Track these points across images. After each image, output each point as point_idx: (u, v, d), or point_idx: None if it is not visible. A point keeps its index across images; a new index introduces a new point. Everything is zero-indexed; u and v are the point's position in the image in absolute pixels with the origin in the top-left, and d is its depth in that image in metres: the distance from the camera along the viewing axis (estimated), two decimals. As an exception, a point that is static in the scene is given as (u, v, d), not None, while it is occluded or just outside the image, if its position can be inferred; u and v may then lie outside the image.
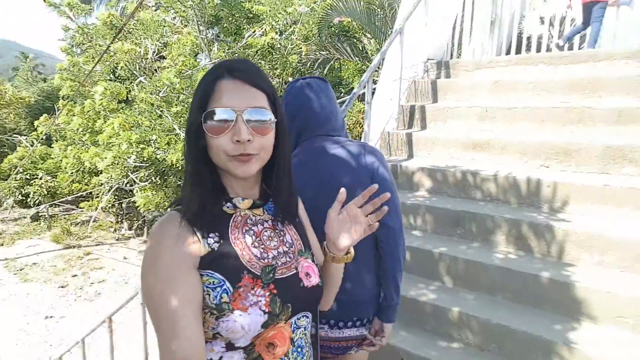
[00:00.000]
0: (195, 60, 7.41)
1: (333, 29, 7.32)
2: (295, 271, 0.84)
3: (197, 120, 0.76)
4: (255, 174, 0.81)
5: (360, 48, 7.43)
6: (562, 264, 2.27)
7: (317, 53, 7.21)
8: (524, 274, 2.20)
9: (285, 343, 0.80)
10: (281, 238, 0.87)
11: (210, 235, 0.78)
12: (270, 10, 7.07)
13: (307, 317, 0.87)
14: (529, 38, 7.33)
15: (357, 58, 7.16)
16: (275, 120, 0.79)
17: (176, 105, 6.35)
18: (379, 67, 3.94)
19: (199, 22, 7.11)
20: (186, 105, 6.26)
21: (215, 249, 0.77)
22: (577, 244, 2.28)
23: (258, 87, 0.77)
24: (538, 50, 5.55)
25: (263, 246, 0.83)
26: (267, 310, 0.75)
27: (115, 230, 11.53)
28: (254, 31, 7.30)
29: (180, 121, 6.24)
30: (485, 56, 5.57)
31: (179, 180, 7.06)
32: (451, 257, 2.40)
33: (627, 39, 5.08)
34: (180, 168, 5.67)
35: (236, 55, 7.01)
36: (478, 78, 3.81)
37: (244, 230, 0.82)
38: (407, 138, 3.42)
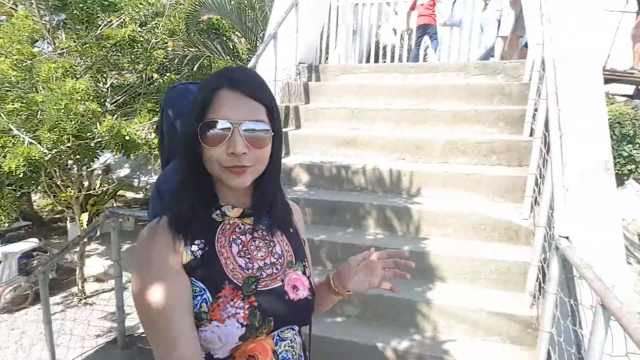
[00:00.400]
0: (33, 49, 6.40)
1: (202, 25, 7.12)
2: (280, 283, 0.82)
3: (193, 129, 0.75)
4: (249, 184, 0.79)
5: (231, 47, 7.40)
6: (418, 239, 2.72)
7: (186, 49, 6.93)
8: (389, 249, 2.57)
9: (268, 355, 0.78)
10: (270, 249, 0.85)
11: (196, 242, 0.77)
12: (130, 0, 6.52)
13: (293, 330, 0.86)
14: (384, 47, 8.29)
15: (227, 57, 7.12)
16: (273, 133, 0.78)
17: (12, 102, 5.39)
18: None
19: (38, 5, 6.16)
20: (25, 101, 5.38)
21: (198, 256, 0.76)
22: (427, 221, 2.76)
23: (257, 99, 0.76)
24: (392, 58, 6.35)
25: (249, 256, 0.82)
26: (245, 323, 0.74)
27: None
28: (110, 21, 6.64)
29: (17, 120, 5.32)
30: (349, 61, 6.12)
31: (20, 190, 6.02)
32: (330, 243, 2.67)
33: (458, 54, 6.18)
34: (21, 176, 4.76)
35: (86, 45, 6.27)
36: (345, 82, 4.23)
37: (231, 239, 0.81)
38: (283, 137, 3.61)
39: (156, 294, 0.71)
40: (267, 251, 0.84)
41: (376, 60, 6.77)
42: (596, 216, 3.39)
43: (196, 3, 6.47)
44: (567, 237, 1.89)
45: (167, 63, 7.08)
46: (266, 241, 0.85)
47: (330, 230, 2.86)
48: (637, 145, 8.17)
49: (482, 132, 3.33)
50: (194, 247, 0.77)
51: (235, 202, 0.83)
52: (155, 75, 7.05)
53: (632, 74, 5.15)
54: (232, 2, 6.60)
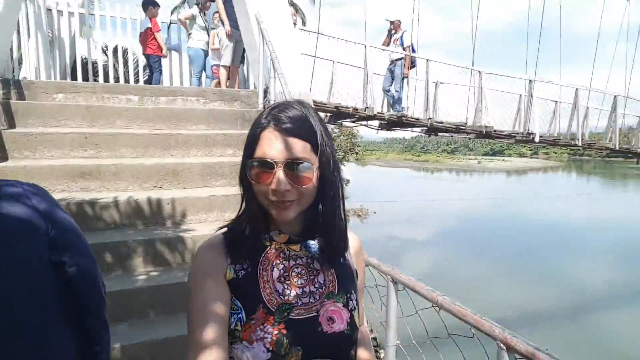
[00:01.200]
0: None
1: None
2: (315, 314, 0.81)
3: (243, 164, 0.82)
4: (295, 216, 0.82)
5: None
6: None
7: None
8: (169, 285, 2.34)
9: None
10: (312, 277, 0.85)
11: (240, 262, 0.82)
12: None
13: None
14: (94, 63, 7.35)
15: None
16: (318, 167, 0.80)
17: None
18: None
19: None
20: None
21: (240, 276, 0.81)
22: (202, 248, 2.67)
23: (301, 137, 0.79)
24: (107, 78, 5.73)
25: (288, 282, 0.82)
26: (270, 349, 0.75)
27: None
28: None
29: None
30: (52, 78, 5.14)
31: None
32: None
33: (180, 79, 6.23)
34: None
35: None
36: (65, 102, 3.51)
37: (274, 264, 0.83)
38: (-14, 172, 2.64)
39: (197, 302, 0.77)
40: (307, 279, 0.84)
41: (85, 79, 5.96)
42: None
43: None
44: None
45: None
46: (309, 269, 0.85)
47: (85, 283, 2.31)
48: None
49: (233, 154, 3.52)
50: (238, 267, 0.82)
51: (285, 228, 0.86)
52: None
53: (326, 104, 6.72)
54: None
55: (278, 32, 3.88)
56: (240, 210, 0.87)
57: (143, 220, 2.79)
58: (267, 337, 0.76)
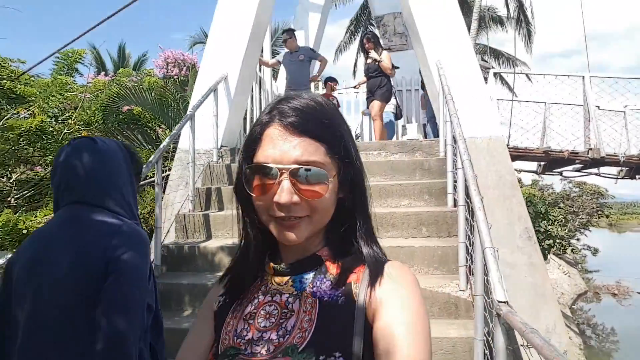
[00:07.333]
0: None
1: (121, 116, 6.94)
2: None
3: (239, 174, 0.64)
4: (305, 240, 0.63)
5: (154, 137, 7.22)
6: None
7: (102, 140, 6.60)
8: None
9: None
10: (282, 321, 0.63)
11: (228, 292, 0.70)
12: (41, 93, 6.24)
13: None
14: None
15: (150, 146, 6.89)
16: (336, 174, 0.63)
17: None
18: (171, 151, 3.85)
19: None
20: None
21: (216, 308, 0.70)
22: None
23: (313, 136, 0.61)
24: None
25: (252, 321, 0.65)
26: None
27: None
28: (17, 112, 6.23)
29: None
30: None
31: None
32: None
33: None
34: None
35: (-7, 139, 5.75)
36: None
37: (252, 297, 0.67)
38: (204, 219, 3.32)
39: (187, 336, 0.71)
40: (275, 323, 0.63)
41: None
42: (528, 284, 3.43)
43: (115, 95, 6.35)
44: (506, 302, 1.78)
45: (80, 154, 6.63)
46: (284, 310, 0.64)
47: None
48: (550, 221, 9.01)
49: (408, 205, 3.34)
50: (222, 297, 0.71)
51: (290, 254, 0.67)
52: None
53: (532, 150, 5.80)
54: (153, 94, 6.58)
55: (460, 78, 3.66)
56: (241, 235, 0.71)
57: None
58: None
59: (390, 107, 5.63)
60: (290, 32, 5.65)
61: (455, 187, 3.02)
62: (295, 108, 0.62)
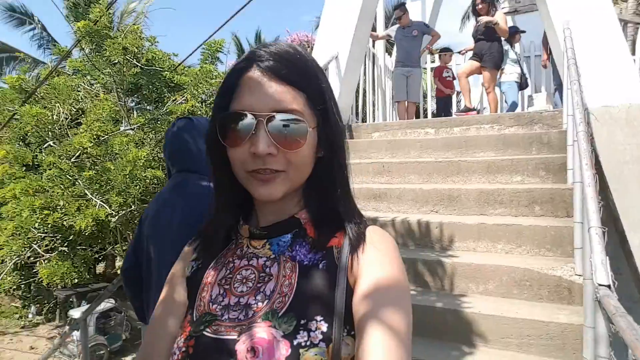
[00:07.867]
0: (115, 127, 7.34)
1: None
2: (234, 337, 0.57)
3: (213, 124, 0.60)
4: (281, 197, 0.60)
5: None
6: (453, 295, 2.52)
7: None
8: (422, 307, 2.40)
9: None
10: (260, 285, 0.61)
11: (200, 257, 0.69)
12: (192, 81, 7.38)
13: None
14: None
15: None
16: (315, 127, 0.60)
17: (89, 170, 6.11)
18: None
19: (118, 90, 7.15)
20: (100, 170, 6.08)
21: (189, 273, 0.68)
22: (463, 276, 2.57)
23: (292, 83, 0.58)
24: (425, 116, 6.49)
25: (228, 286, 0.62)
26: None
27: (20, 316, 9.91)
28: (175, 99, 7.49)
29: (94, 187, 5.99)
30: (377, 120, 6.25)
31: (89, 248, 6.57)
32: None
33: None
34: (92, 234, 5.28)
35: (158, 122, 7.08)
36: (376, 138, 4.30)
37: (227, 261, 0.65)
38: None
39: (157, 305, 0.68)
40: (253, 287, 0.61)
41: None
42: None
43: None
44: (608, 286, 1.67)
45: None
46: (262, 274, 0.62)
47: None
48: None
49: (520, 182, 3.15)
50: (194, 263, 0.68)
51: (266, 214, 0.65)
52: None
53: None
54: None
55: (592, 35, 3.20)
56: (213, 194, 0.69)
57: (414, 240, 2.99)
58: (176, 353, 0.59)
59: (514, 76, 5.16)
60: (402, 8, 5.56)
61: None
62: (274, 53, 0.58)
